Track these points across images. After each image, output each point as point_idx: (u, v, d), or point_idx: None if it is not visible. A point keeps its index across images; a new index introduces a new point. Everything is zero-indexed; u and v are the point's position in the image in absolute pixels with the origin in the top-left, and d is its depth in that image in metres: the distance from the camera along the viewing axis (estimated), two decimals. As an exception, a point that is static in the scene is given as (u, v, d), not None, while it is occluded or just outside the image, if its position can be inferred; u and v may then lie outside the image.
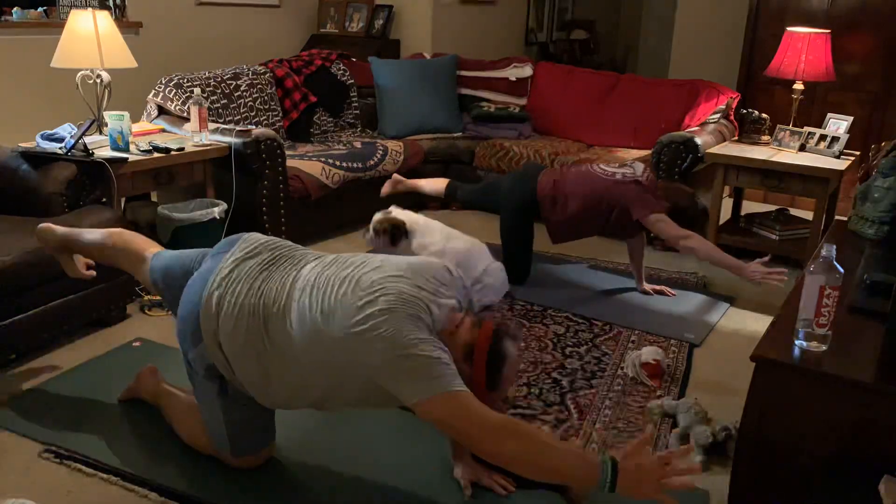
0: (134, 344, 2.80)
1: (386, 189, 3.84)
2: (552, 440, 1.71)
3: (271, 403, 1.97)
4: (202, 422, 2.08)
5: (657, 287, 3.47)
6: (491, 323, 1.82)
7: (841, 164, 3.71)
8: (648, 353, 2.69)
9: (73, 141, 3.05)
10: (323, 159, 3.98)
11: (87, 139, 3.13)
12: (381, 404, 1.83)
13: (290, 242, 2.08)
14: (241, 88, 4.19)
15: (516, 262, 3.44)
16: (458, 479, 2.03)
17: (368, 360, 1.67)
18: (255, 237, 2.07)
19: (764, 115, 4.22)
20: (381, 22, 5.71)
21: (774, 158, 3.79)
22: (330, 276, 1.83)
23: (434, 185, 3.83)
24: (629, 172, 3.31)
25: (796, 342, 1.73)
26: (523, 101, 5.04)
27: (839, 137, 3.85)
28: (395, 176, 3.88)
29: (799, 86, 4.06)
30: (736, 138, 4.26)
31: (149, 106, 3.97)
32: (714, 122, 4.28)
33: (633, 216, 3.20)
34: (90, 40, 3.24)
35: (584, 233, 3.42)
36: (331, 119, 4.77)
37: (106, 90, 3.39)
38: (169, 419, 2.24)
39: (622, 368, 2.73)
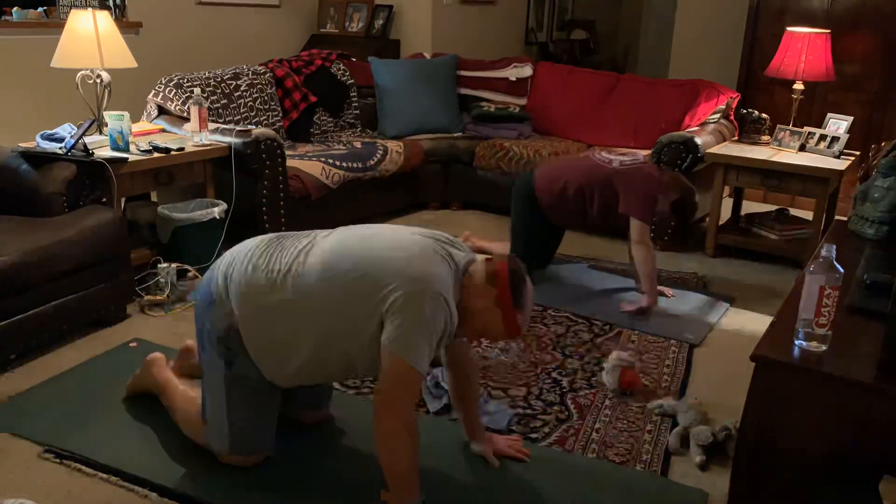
0: (130, 345, 2.79)
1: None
2: (413, 458, 1.85)
3: (275, 371, 1.98)
4: (200, 410, 2.10)
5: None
6: (503, 261, 1.94)
7: (841, 164, 3.71)
8: (614, 361, 2.59)
9: (73, 141, 3.06)
10: (323, 159, 3.98)
11: (87, 139, 3.13)
12: (367, 365, 1.90)
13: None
14: (241, 88, 4.19)
15: (528, 249, 3.44)
16: (481, 454, 2.16)
17: (390, 282, 1.78)
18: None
19: (764, 115, 4.22)
20: (381, 22, 5.71)
21: (774, 158, 3.79)
22: (353, 234, 1.95)
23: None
24: (627, 160, 3.32)
25: (796, 342, 1.73)
26: (523, 101, 5.04)
27: (839, 137, 3.85)
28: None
29: (799, 86, 4.06)
30: (736, 138, 4.26)
31: (149, 106, 3.97)
32: (714, 122, 4.28)
33: (619, 207, 3.24)
34: (90, 40, 3.24)
35: (578, 217, 3.41)
36: (331, 119, 4.77)
37: (106, 90, 3.39)
38: (168, 405, 2.26)
39: (607, 392, 2.58)
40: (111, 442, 2.19)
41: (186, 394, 2.24)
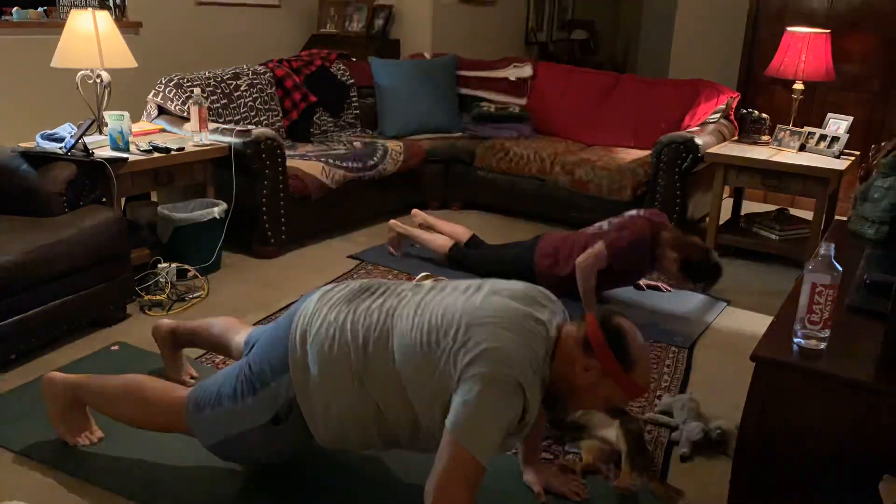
0: (112, 348, 2.76)
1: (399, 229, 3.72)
2: None
3: (329, 438, 1.85)
4: (156, 396, 2.00)
5: (652, 283, 3.48)
6: (590, 315, 1.76)
7: (841, 164, 3.71)
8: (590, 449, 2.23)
9: (73, 141, 3.05)
10: (323, 159, 3.98)
11: (87, 139, 3.13)
12: (426, 440, 1.77)
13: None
14: (241, 88, 4.19)
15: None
16: (530, 485, 2.02)
17: (463, 369, 1.63)
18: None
19: (764, 115, 4.22)
20: (381, 22, 5.71)
21: (774, 158, 3.79)
22: (440, 299, 1.79)
23: (444, 238, 3.62)
24: (617, 220, 3.18)
25: (795, 341, 1.73)
26: (523, 101, 5.04)
27: (839, 137, 3.85)
28: (415, 212, 3.81)
29: (799, 86, 4.06)
30: (736, 138, 4.26)
31: (149, 106, 3.97)
32: (714, 122, 4.28)
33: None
34: (90, 40, 3.24)
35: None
36: (331, 119, 4.77)
37: (106, 90, 3.39)
38: (99, 405, 2.10)
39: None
40: (86, 453, 2.13)
41: (116, 384, 2.08)
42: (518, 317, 1.69)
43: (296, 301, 1.98)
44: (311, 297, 1.93)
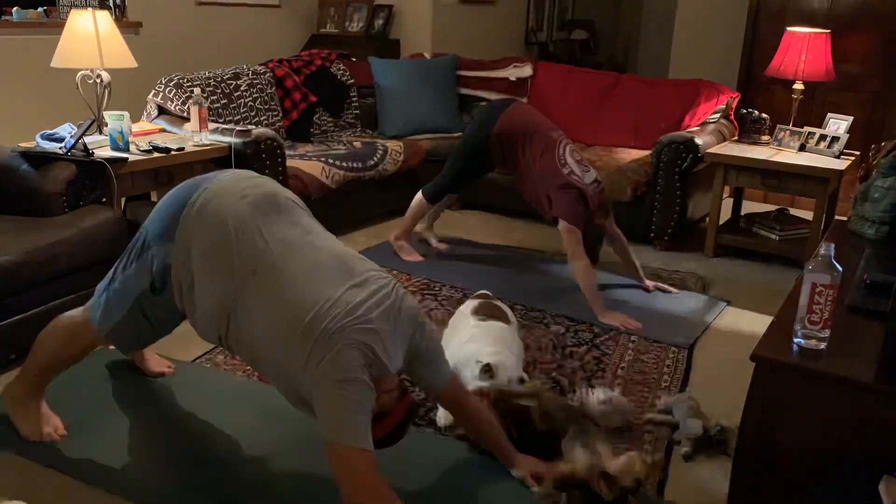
0: (110, 348, 2.71)
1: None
2: None
3: (200, 328, 1.93)
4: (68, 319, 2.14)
5: (659, 284, 3.48)
6: (412, 399, 1.88)
7: (841, 164, 3.71)
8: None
9: (73, 141, 3.05)
10: (323, 159, 3.99)
11: (87, 139, 3.13)
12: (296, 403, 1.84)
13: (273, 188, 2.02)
14: (241, 88, 4.19)
15: (454, 183, 3.67)
16: (521, 479, 2.04)
17: (309, 367, 1.69)
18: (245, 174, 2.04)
19: (764, 115, 4.22)
20: (381, 22, 5.71)
21: (774, 158, 3.79)
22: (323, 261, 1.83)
23: (416, 212, 3.81)
24: (578, 177, 3.28)
25: (795, 341, 1.73)
26: (523, 101, 5.03)
27: (839, 137, 3.85)
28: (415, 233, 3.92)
29: (799, 86, 4.06)
30: (736, 138, 4.26)
31: (149, 106, 3.97)
32: (714, 122, 4.28)
33: (551, 211, 3.28)
34: (90, 40, 3.24)
35: (521, 182, 3.49)
36: (331, 119, 4.77)
37: (106, 90, 3.39)
38: (42, 366, 2.20)
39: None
40: (83, 453, 2.13)
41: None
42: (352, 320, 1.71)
43: (204, 174, 2.04)
44: (221, 178, 1.95)
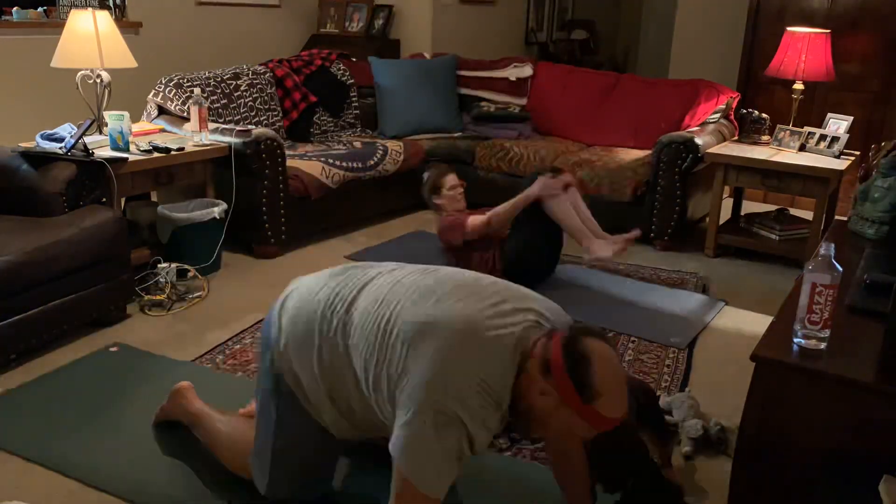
0: (111, 349, 2.75)
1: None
2: None
3: (326, 418, 1.78)
4: (246, 444, 1.92)
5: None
6: (561, 332, 1.53)
7: (841, 164, 3.71)
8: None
9: (73, 141, 3.06)
10: (323, 159, 3.99)
11: (86, 139, 3.13)
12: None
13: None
14: (241, 88, 4.19)
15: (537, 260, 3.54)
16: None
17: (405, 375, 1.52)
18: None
19: (764, 115, 4.22)
20: (381, 22, 5.71)
21: (774, 158, 3.79)
22: (407, 283, 1.67)
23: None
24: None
25: (795, 341, 1.73)
26: (523, 101, 5.04)
27: (839, 137, 3.85)
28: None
29: (799, 86, 4.06)
30: (736, 138, 4.26)
31: (149, 106, 3.97)
32: (714, 122, 4.28)
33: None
34: (90, 40, 3.24)
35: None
36: (331, 119, 4.77)
37: (106, 90, 3.39)
38: (207, 443, 2.10)
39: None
40: (84, 454, 2.13)
41: (231, 423, 2.07)
42: (470, 326, 1.51)
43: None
44: (303, 281, 1.87)
